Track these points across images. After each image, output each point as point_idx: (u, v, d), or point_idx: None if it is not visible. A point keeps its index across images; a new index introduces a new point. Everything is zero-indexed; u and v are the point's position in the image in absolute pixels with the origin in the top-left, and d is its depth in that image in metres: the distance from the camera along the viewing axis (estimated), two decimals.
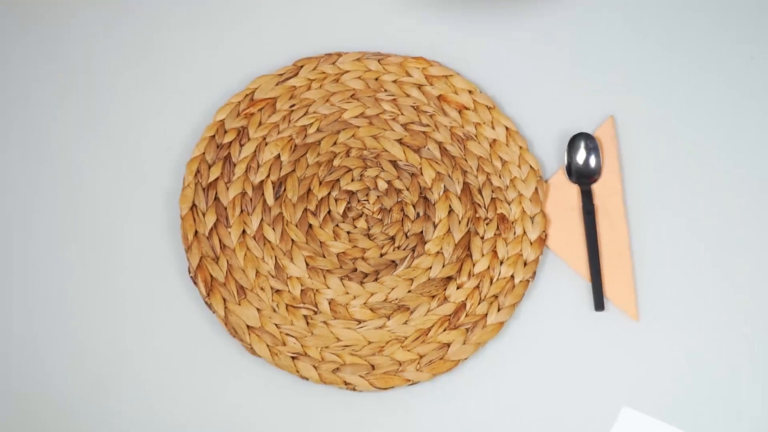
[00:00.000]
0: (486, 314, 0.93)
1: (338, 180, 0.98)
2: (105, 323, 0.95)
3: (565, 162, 0.98)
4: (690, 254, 0.96)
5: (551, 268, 0.96)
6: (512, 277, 0.94)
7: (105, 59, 1.04)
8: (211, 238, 0.95)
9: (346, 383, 0.91)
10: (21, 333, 0.94)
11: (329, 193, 0.98)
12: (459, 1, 1.04)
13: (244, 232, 0.96)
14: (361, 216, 0.97)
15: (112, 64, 1.03)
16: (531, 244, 0.95)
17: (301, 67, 1.01)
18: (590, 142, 0.98)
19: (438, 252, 0.95)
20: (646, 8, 1.04)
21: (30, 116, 1.02)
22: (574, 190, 0.98)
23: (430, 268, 0.95)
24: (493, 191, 0.97)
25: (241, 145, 0.99)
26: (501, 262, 0.94)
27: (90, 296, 0.96)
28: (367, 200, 0.97)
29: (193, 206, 0.96)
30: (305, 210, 0.97)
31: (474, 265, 0.95)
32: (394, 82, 1.01)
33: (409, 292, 0.94)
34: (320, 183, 0.98)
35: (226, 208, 0.97)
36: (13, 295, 0.96)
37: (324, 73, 1.01)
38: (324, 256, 0.95)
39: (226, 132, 0.99)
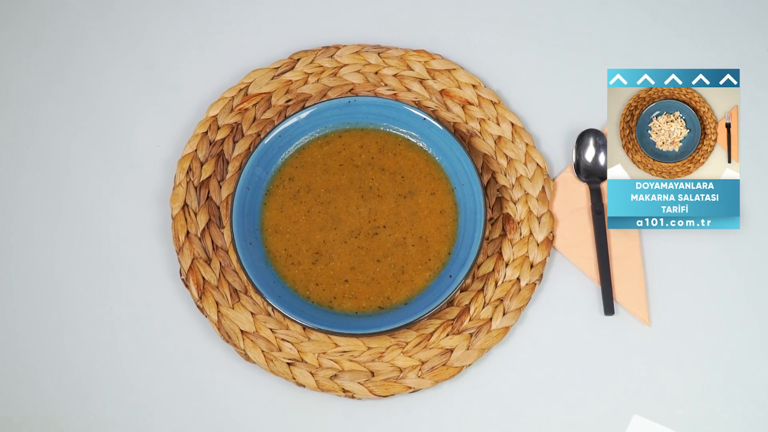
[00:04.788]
0: (491, 318, 0.93)
1: None
2: (92, 328, 0.95)
3: (573, 159, 0.98)
4: (704, 255, 0.96)
5: (559, 271, 0.96)
6: (518, 279, 0.94)
7: (91, 50, 1.04)
8: (204, 239, 0.96)
9: (344, 391, 0.91)
10: (4, 338, 0.94)
11: None
12: None
13: None
14: None
15: (99, 56, 1.04)
16: (538, 245, 0.95)
17: (298, 60, 1.02)
18: (599, 138, 0.98)
19: None
20: (657, 0, 1.05)
21: (10, 109, 1.02)
22: (582, 189, 0.98)
23: None
24: (498, 190, 0.97)
25: (235, 142, 0.99)
26: (506, 264, 0.95)
27: (76, 300, 0.96)
28: None
29: (185, 206, 0.96)
30: None
31: (478, 267, 0.95)
32: (395, 76, 1.01)
33: None
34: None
35: (219, 208, 0.97)
36: None
37: (321, 66, 1.01)
38: None
39: (219, 128, 0.99)
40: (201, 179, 0.97)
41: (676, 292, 0.95)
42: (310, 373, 0.91)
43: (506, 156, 0.98)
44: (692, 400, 0.91)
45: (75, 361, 0.93)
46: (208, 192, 0.97)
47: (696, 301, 0.94)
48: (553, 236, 0.96)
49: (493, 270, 0.94)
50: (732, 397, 0.91)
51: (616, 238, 0.95)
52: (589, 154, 0.98)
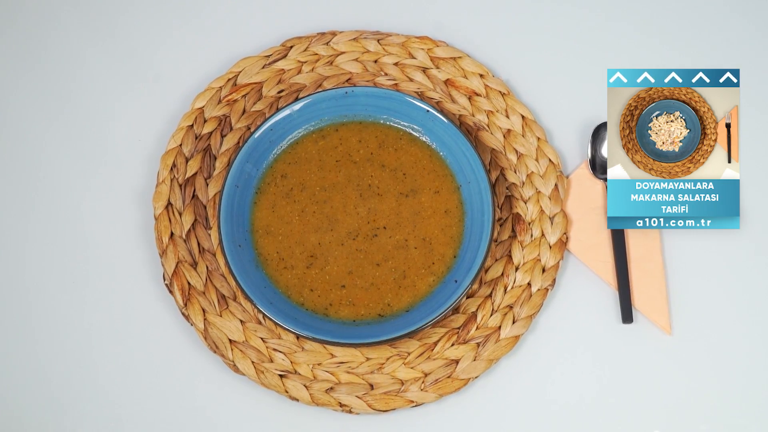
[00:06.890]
0: (499, 327, 0.93)
1: None
2: (67, 338, 0.95)
3: (589, 155, 0.98)
4: (729, 259, 0.95)
5: (573, 275, 0.96)
6: (529, 285, 0.94)
7: (66, 35, 1.04)
8: (189, 241, 0.95)
9: (341, 405, 0.90)
10: None
11: None
12: None
13: None
14: None
15: (75, 41, 1.04)
16: (550, 247, 0.95)
17: (291, 47, 1.02)
18: None
19: None
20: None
21: None
22: (598, 187, 0.97)
23: None
24: (507, 188, 0.97)
25: (223, 136, 0.98)
26: (516, 268, 0.95)
27: (50, 308, 0.95)
28: None
29: (169, 205, 0.96)
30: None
31: (486, 271, 0.95)
32: (396, 64, 1.01)
33: None
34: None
35: (205, 207, 0.96)
36: None
37: (316, 54, 1.01)
38: None
39: (205, 121, 0.99)
40: (186, 176, 0.96)
41: (700, 298, 0.94)
42: (304, 385, 0.90)
43: (516, 151, 0.97)
44: (716, 414, 0.91)
45: (49, 374, 0.93)
46: (194, 190, 0.96)
47: (720, 308, 0.94)
48: (567, 238, 0.95)
49: (502, 274, 0.94)
50: (759, 411, 0.91)
51: (634, 239, 0.95)
52: (605, 149, 0.97)
